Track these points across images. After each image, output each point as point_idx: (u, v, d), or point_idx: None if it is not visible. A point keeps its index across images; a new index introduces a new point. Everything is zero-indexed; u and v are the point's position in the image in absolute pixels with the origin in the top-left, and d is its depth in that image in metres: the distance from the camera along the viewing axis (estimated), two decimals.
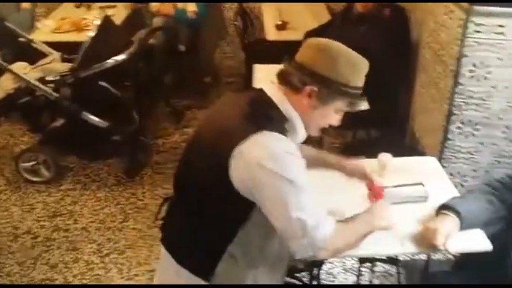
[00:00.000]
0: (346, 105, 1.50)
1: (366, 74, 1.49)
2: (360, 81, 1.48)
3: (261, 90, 1.53)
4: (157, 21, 4.44)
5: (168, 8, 4.49)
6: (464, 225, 1.69)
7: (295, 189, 1.37)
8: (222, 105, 1.64)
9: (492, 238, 1.71)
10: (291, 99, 1.48)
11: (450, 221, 1.68)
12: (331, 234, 1.41)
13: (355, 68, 1.47)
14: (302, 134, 1.55)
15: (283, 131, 1.44)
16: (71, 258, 2.94)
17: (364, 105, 2.62)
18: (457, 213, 1.69)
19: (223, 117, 1.52)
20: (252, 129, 1.38)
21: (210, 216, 1.52)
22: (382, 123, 3.79)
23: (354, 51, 1.48)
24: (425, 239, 1.67)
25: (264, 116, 1.44)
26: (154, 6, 4.53)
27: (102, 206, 3.35)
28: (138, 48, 3.48)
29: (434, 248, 1.63)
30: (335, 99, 1.48)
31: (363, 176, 1.84)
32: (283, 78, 1.50)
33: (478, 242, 1.70)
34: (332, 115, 1.53)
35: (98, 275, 2.82)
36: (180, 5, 4.48)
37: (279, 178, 1.35)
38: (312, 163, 1.78)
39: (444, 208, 1.74)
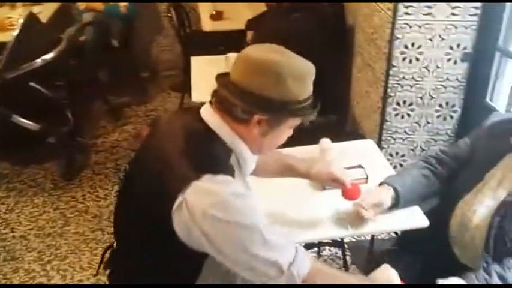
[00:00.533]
0: (301, 119, 1.35)
1: (313, 78, 1.34)
2: (309, 90, 1.32)
3: (205, 124, 1.33)
4: (87, 17, 4.28)
5: (97, 3, 4.35)
6: (402, 201, 1.74)
7: (255, 232, 1.22)
8: (159, 137, 1.41)
9: (429, 214, 1.76)
10: (237, 130, 1.32)
11: (384, 192, 1.75)
12: (311, 268, 1.28)
13: (303, 79, 1.29)
14: (251, 162, 1.43)
15: (228, 170, 1.28)
16: (10, 268, 2.80)
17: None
18: (393, 187, 1.75)
19: (160, 155, 1.32)
20: (193, 174, 1.21)
21: (161, 273, 1.35)
22: (323, 109, 3.84)
23: (298, 58, 1.31)
24: (355, 213, 1.72)
25: (206, 155, 1.28)
26: (81, 3, 4.36)
27: (41, 212, 3.20)
28: (68, 45, 3.35)
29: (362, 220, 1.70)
30: (288, 120, 1.32)
31: (335, 182, 1.71)
32: (223, 106, 1.31)
33: (416, 218, 1.75)
34: (285, 133, 1.38)
35: (40, 283, 2.70)
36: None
37: (233, 227, 1.20)
38: (280, 173, 1.70)
39: (381, 185, 1.80)
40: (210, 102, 1.36)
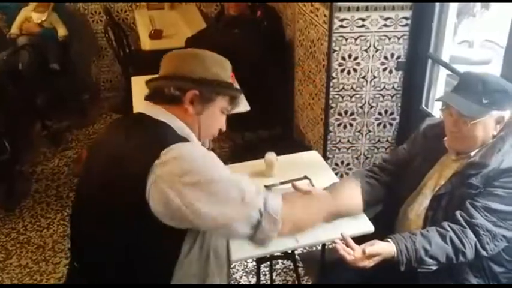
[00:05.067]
0: (229, 102, 1.49)
1: (230, 70, 1.51)
2: (228, 77, 1.49)
3: (144, 115, 1.41)
4: (21, 41, 4.16)
5: (32, 27, 4.23)
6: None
7: (229, 183, 1.29)
8: (105, 145, 1.45)
9: (374, 220, 1.80)
10: (176, 113, 1.40)
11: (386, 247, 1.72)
12: (283, 204, 1.36)
13: (223, 65, 1.48)
14: (195, 139, 1.47)
15: (183, 139, 1.36)
16: None
17: (245, 106, 2.66)
18: None
19: (118, 157, 1.34)
20: (155, 152, 1.26)
21: (139, 262, 1.34)
22: (268, 123, 3.88)
23: (212, 52, 1.49)
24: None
25: (159, 134, 1.34)
26: (13, 34, 4.23)
27: None
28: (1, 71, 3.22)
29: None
30: (217, 98, 1.45)
31: None
32: (158, 95, 1.42)
33: (362, 225, 1.78)
34: (218, 117, 1.49)
35: None
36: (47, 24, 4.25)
37: (209, 182, 1.26)
38: None
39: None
40: (145, 99, 1.46)
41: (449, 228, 1.61)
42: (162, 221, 1.26)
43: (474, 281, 1.67)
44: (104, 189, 1.34)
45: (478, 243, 1.59)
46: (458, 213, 1.63)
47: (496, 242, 1.60)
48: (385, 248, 1.59)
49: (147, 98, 1.45)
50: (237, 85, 1.52)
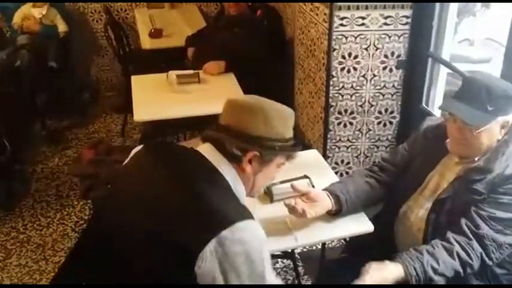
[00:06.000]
0: (286, 158, 1.45)
1: (293, 122, 1.44)
2: (291, 131, 1.43)
3: (204, 158, 1.33)
4: (21, 40, 4.16)
5: (32, 24, 4.23)
6: (346, 208, 1.77)
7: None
8: (158, 177, 1.33)
9: (374, 219, 1.79)
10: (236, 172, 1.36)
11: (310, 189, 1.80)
12: None
13: (286, 120, 1.42)
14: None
15: (247, 210, 1.27)
16: None
17: None
18: (335, 193, 1.77)
19: (167, 206, 1.24)
20: (224, 224, 1.17)
21: None
22: None
23: (279, 104, 1.42)
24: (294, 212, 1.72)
25: (227, 200, 1.26)
26: (16, 23, 4.23)
27: None
28: (0, 70, 3.21)
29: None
30: (276, 157, 1.41)
31: None
32: (219, 147, 1.35)
33: (361, 224, 1.77)
34: (274, 172, 1.46)
35: None
36: (47, 21, 4.25)
37: (262, 276, 1.23)
38: None
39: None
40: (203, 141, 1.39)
41: (455, 243, 1.59)
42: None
43: (475, 282, 1.67)
44: (143, 234, 1.23)
45: (484, 254, 1.58)
46: (463, 222, 1.61)
47: (502, 251, 1.59)
48: (394, 271, 1.57)
49: (207, 139, 1.38)
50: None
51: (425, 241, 1.70)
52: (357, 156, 3.03)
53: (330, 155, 3.03)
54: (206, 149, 1.36)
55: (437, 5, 2.55)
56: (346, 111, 2.89)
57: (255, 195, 1.50)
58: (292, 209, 1.71)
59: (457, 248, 1.58)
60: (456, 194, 1.66)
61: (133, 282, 1.24)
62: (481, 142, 1.62)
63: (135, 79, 3.24)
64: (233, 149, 1.33)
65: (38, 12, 4.24)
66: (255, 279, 1.22)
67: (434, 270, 1.57)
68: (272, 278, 1.29)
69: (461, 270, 1.58)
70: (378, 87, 2.83)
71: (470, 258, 1.57)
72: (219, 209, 1.21)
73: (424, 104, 2.78)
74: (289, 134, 1.42)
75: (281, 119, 1.39)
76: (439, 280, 1.58)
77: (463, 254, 1.58)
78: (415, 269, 1.56)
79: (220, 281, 1.18)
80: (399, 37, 2.70)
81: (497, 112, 1.58)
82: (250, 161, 1.36)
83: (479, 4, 5.54)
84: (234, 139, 1.34)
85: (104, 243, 1.31)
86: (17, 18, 4.26)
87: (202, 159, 1.33)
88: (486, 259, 1.58)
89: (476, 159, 1.65)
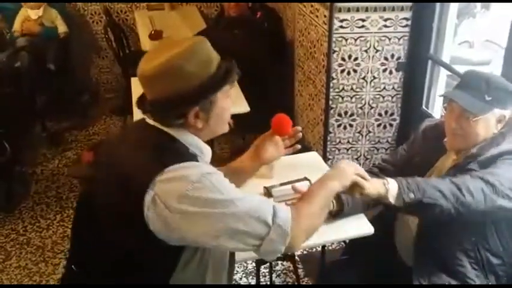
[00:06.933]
0: (229, 83, 1.36)
1: (209, 49, 1.33)
2: (212, 62, 1.31)
3: (152, 126, 1.34)
4: (20, 41, 4.16)
5: (32, 26, 4.23)
6: (346, 209, 1.77)
7: (233, 205, 1.23)
8: (112, 152, 1.42)
9: (374, 221, 1.79)
10: (187, 130, 1.34)
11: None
12: (291, 216, 1.28)
13: (200, 57, 1.29)
14: (207, 150, 1.41)
15: (191, 157, 1.30)
16: None
17: (245, 107, 2.67)
18: (336, 195, 1.75)
19: (117, 164, 1.34)
20: (156, 168, 1.22)
21: (134, 272, 1.33)
22: (268, 124, 3.86)
23: (181, 42, 1.31)
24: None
25: (166, 149, 1.29)
26: (16, 31, 4.24)
27: None
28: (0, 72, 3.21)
29: None
30: (218, 95, 1.33)
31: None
32: (162, 122, 1.33)
33: (361, 226, 1.77)
34: (225, 102, 1.37)
35: None
36: (47, 22, 4.25)
37: (211, 203, 1.21)
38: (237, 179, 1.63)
39: None
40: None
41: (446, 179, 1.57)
42: (158, 237, 1.24)
43: (472, 272, 1.66)
44: (105, 197, 1.34)
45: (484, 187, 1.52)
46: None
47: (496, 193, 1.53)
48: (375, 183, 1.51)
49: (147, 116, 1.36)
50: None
51: (424, 241, 1.70)
52: (357, 159, 3.03)
53: (330, 157, 3.02)
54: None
55: (437, 6, 2.56)
56: (346, 113, 2.89)
57: (226, 128, 1.44)
58: None
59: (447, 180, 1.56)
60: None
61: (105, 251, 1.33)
62: (476, 132, 1.64)
63: (135, 81, 3.23)
64: (172, 121, 1.30)
65: (34, 13, 4.24)
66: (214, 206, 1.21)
67: (426, 183, 1.53)
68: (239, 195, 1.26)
69: (457, 192, 1.51)
70: (378, 89, 2.83)
71: (465, 180, 1.53)
72: (145, 164, 1.26)
73: (424, 106, 2.78)
74: (212, 67, 1.31)
75: (194, 61, 1.27)
76: (434, 194, 1.50)
77: (456, 179, 1.55)
78: (406, 180, 1.52)
79: (175, 223, 1.21)
80: (399, 39, 2.70)
81: (494, 103, 1.62)
82: (196, 116, 1.31)
83: (479, 5, 5.55)
84: (167, 112, 1.29)
85: (81, 207, 1.47)
86: (17, 25, 4.25)
87: (149, 126, 1.34)
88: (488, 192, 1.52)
89: (471, 150, 1.66)
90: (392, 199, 1.50)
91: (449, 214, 1.51)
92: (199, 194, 1.21)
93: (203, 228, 1.22)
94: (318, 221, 1.38)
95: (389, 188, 1.50)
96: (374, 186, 1.48)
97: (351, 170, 1.46)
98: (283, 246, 1.27)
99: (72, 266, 1.47)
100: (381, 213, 1.94)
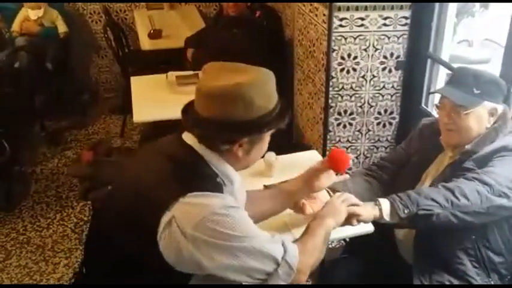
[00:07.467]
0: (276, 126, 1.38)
1: (274, 84, 1.35)
2: (274, 97, 1.33)
3: (186, 144, 1.34)
4: (19, 41, 4.16)
5: (31, 26, 4.23)
6: None
7: (248, 242, 1.25)
8: (136, 166, 1.42)
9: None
10: (223, 157, 1.34)
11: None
12: (299, 253, 1.33)
13: (267, 91, 1.31)
14: (237, 179, 1.40)
15: (215, 187, 1.29)
16: None
17: None
18: (336, 191, 1.78)
19: (139, 181, 1.33)
20: (179, 192, 1.22)
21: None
22: None
23: (254, 72, 1.32)
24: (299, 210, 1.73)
25: (192, 174, 1.29)
26: (15, 31, 4.23)
27: None
28: None
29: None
30: (266, 133, 1.36)
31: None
32: (204, 142, 1.32)
33: (361, 225, 1.77)
34: (266, 141, 1.41)
35: None
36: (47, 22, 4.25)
37: (226, 237, 1.22)
38: (281, 207, 1.69)
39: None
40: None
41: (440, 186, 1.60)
42: (167, 261, 1.24)
43: (473, 270, 1.67)
44: (123, 202, 1.34)
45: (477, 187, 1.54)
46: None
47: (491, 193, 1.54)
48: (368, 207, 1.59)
49: (195, 137, 1.33)
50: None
51: (424, 240, 1.70)
52: (356, 157, 3.04)
53: None
54: (189, 137, 1.34)
55: (437, 5, 2.56)
56: (345, 112, 2.89)
57: (249, 166, 1.46)
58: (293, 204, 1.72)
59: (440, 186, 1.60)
60: (449, 179, 1.66)
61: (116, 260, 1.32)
62: (469, 126, 1.66)
63: (134, 80, 3.24)
64: (219, 145, 1.31)
65: (34, 14, 4.24)
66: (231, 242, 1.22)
67: (418, 194, 1.56)
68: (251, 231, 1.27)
69: (451, 196, 1.53)
70: (378, 88, 2.83)
71: (458, 184, 1.56)
72: (172, 182, 1.26)
73: (423, 105, 2.78)
74: (272, 102, 1.32)
75: (261, 93, 1.28)
76: (428, 204, 1.53)
77: (448, 184, 1.58)
78: (397, 195, 1.57)
79: (187, 251, 1.21)
80: (398, 38, 2.70)
81: (483, 95, 1.65)
82: (241, 145, 1.32)
83: (478, 4, 5.55)
84: (217, 134, 1.29)
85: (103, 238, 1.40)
86: (16, 25, 4.25)
87: (182, 144, 1.33)
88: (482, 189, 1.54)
89: (466, 146, 1.68)
90: (387, 217, 1.57)
91: (449, 221, 1.53)
92: (216, 225, 1.21)
93: (213, 260, 1.23)
94: (321, 255, 1.45)
95: (382, 207, 1.58)
96: (367, 210, 1.58)
97: (343, 207, 1.56)
98: (288, 282, 1.32)
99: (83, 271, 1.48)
100: None
